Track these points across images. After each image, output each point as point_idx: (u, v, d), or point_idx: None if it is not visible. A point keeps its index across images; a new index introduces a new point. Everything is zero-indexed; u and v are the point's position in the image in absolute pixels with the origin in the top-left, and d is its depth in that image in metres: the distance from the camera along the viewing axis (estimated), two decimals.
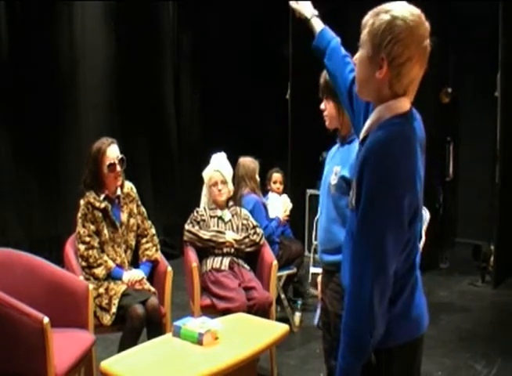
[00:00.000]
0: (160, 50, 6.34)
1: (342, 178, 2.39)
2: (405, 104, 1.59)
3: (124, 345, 2.97)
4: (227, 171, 3.82)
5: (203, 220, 3.77)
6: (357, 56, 1.63)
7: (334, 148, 2.61)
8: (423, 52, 1.54)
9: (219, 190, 3.76)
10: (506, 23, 5.15)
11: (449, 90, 6.24)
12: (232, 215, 3.84)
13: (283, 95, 6.39)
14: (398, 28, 1.50)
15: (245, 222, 3.84)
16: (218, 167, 3.79)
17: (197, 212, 3.82)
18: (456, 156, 6.16)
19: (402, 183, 1.48)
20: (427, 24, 1.55)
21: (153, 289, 3.37)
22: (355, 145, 2.38)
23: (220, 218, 3.80)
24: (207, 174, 3.83)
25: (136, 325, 3.13)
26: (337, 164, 2.44)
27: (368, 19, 1.57)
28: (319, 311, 2.63)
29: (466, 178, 6.51)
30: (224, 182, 3.77)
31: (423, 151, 1.62)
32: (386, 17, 1.52)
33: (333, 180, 2.42)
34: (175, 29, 6.47)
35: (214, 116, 6.64)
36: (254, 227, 3.82)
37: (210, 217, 3.80)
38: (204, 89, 6.69)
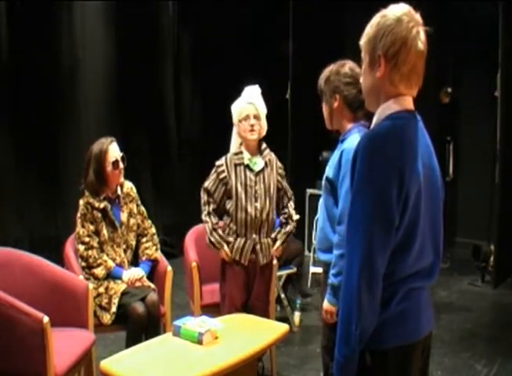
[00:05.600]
0: (160, 50, 6.34)
1: (326, 178, 2.47)
2: (408, 102, 1.61)
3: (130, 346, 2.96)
4: (261, 105, 3.25)
5: (226, 183, 3.21)
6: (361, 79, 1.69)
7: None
8: (416, 36, 1.56)
9: (251, 126, 3.17)
10: (506, 23, 5.14)
11: (449, 90, 6.24)
12: (266, 165, 3.26)
13: (283, 95, 6.40)
14: (387, 21, 1.56)
15: (279, 178, 3.30)
16: (252, 99, 3.22)
17: (218, 171, 3.23)
18: (456, 156, 6.16)
19: (382, 179, 1.48)
20: (416, 15, 1.59)
21: (152, 285, 3.37)
22: (344, 146, 2.46)
23: (247, 167, 3.23)
24: (238, 107, 3.24)
25: (138, 326, 3.14)
26: (328, 165, 2.52)
27: (365, 33, 1.63)
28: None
29: (466, 178, 6.51)
30: (257, 117, 3.19)
31: (431, 153, 1.64)
32: (377, 20, 1.59)
33: (323, 181, 2.51)
34: (175, 29, 6.47)
35: (214, 116, 6.63)
36: (289, 199, 3.36)
37: (235, 166, 3.21)
38: (204, 89, 6.69)
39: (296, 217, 3.43)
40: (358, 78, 2.48)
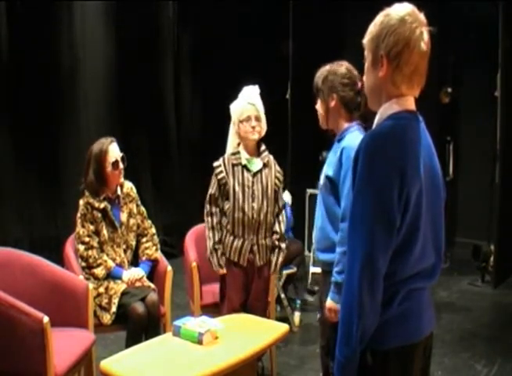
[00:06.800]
0: (160, 50, 6.34)
1: (326, 177, 2.47)
2: (409, 103, 1.60)
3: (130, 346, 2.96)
4: (261, 106, 3.25)
5: (224, 184, 3.21)
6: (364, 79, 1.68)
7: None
8: (419, 37, 1.55)
9: (252, 127, 3.18)
10: (506, 23, 5.14)
11: (449, 90, 6.24)
12: (264, 166, 3.26)
13: (283, 95, 6.39)
14: (391, 21, 1.56)
15: (277, 182, 3.31)
16: (253, 100, 3.21)
17: (216, 173, 3.23)
18: (456, 156, 6.16)
19: (384, 179, 1.47)
20: (420, 15, 1.58)
21: (152, 285, 3.37)
22: (342, 144, 2.46)
23: (245, 167, 3.23)
24: (238, 107, 3.23)
25: (138, 326, 3.14)
26: (326, 164, 2.52)
27: (368, 31, 1.62)
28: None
29: (466, 178, 6.51)
30: (258, 119, 3.20)
31: (432, 154, 1.63)
32: (380, 19, 1.58)
33: (322, 180, 2.52)
34: (175, 29, 6.47)
35: (214, 116, 6.63)
36: (279, 210, 3.33)
37: (233, 166, 3.22)
38: (204, 89, 6.69)
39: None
40: (355, 80, 2.50)
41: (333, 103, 2.53)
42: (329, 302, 2.41)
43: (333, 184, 2.45)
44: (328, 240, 2.48)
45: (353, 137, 2.41)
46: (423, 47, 1.56)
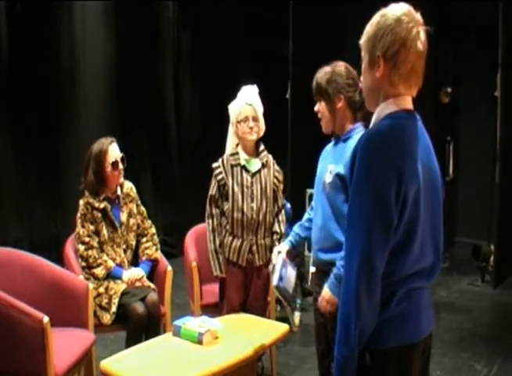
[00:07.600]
0: (160, 50, 6.34)
1: (337, 175, 2.44)
2: (407, 102, 1.61)
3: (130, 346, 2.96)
4: (259, 106, 3.24)
5: (224, 185, 3.21)
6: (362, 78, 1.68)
7: (328, 146, 2.66)
8: (416, 36, 1.55)
9: (250, 128, 3.19)
10: (506, 23, 5.15)
11: (449, 90, 6.24)
12: (263, 166, 3.26)
13: (283, 95, 6.40)
14: (387, 21, 1.56)
15: (276, 182, 3.32)
16: (251, 100, 3.21)
17: (215, 174, 3.23)
18: (456, 156, 6.16)
19: (382, 179, 1.47)
20: (417, 14, 1.58)
21: (152, 285, 3.37)
22: (350, 143, 2.43)
23: (244, 167, 3.24)
24: (236, 108, 3.24)
25: (138, 326, 3.14)
26: (331, 163, 2.50)
27: (364, 31, 1.62)
28: (277, 273, 2.63)
29: (466, 178, 6.51)
30: (256, 119, 3.20)
31: (430, 153, 1.63)
32: (376, 19, 1.59)
33: (328, 178, 2.48)
34: (175, 29, 6.48)
35: (213, 116, 6.63)
36: (279, 209, 3.32)
37: (232, 167, 3.22)
38: (204, 89, 6.69)
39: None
40: (356, 81, 2.49)
41: (340, 104, 2.51)
42: (326, 292, 2.38)
43: (344, 182, 2.42)
44: (332, 239, 2.45)
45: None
46: (419, 46, 1.56)
